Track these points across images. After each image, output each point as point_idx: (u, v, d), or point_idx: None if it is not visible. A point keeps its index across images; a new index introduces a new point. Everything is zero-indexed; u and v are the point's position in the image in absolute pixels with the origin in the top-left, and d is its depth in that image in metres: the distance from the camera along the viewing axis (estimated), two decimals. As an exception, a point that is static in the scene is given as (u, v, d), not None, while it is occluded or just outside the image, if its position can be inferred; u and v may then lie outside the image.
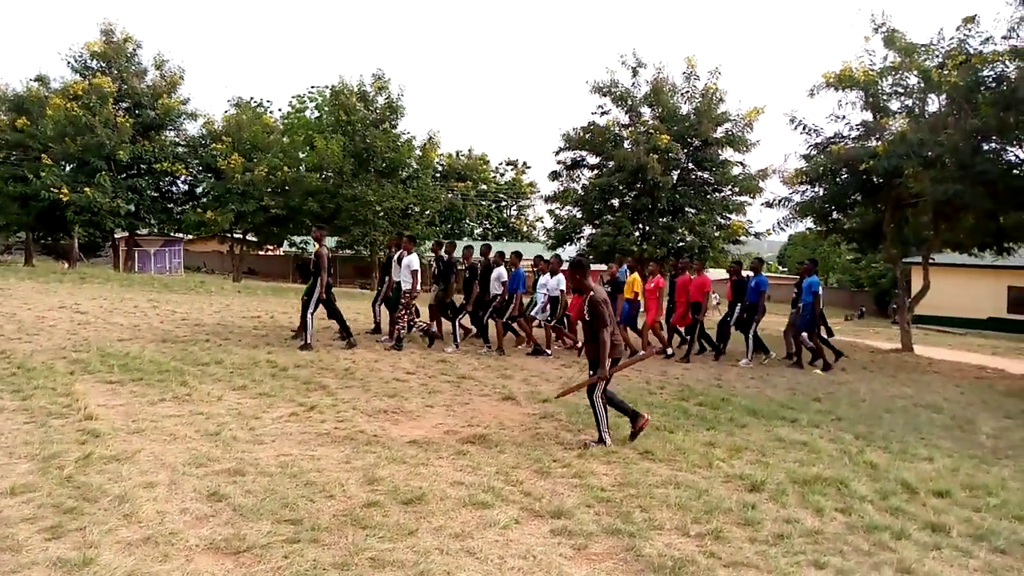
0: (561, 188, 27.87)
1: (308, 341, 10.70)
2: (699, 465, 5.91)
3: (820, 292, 12.77)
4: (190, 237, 43.11)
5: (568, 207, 27.67)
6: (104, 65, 31.58)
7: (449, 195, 47.42)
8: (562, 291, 12.08)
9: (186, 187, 35.40)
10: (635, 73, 26.06)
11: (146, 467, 4.99)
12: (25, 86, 31.97)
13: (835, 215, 18.15)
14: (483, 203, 57.21)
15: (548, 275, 12.22)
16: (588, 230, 27.39)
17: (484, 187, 58.80)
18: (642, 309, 12.91)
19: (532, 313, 12.44)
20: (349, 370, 9.19)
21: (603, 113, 26.85)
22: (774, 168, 17.81)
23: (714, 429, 7.25)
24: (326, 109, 39.88)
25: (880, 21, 15.80)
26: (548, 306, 12.18)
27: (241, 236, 36.94)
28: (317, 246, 10.96)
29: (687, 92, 26.19)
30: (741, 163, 26.40)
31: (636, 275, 13.02)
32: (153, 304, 15.69)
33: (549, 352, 12.15)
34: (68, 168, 30.44)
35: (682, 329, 13.53)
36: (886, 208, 16.74)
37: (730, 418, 7.77)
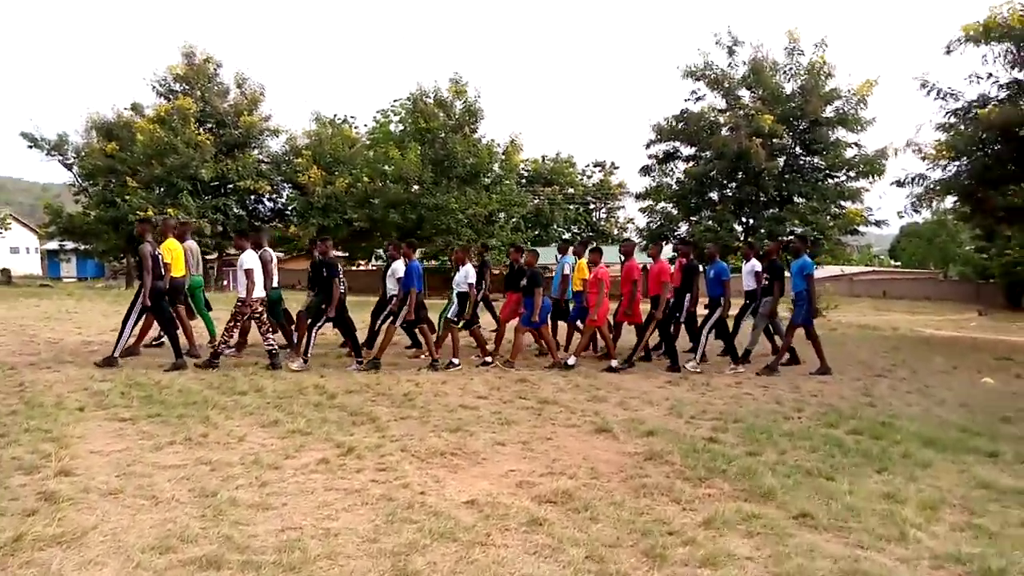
0: (653, 183, 25.89)
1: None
2: (885, 535, 4.02)
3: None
4: (282, 255, 43.53)
5: (662, 203, 25.66)
6: (187, 87, 31.81)
7: (535, 200, 45.96)
8: (471, 285, 9.96)
9: (272, 204, 35.35)
10: (731, 53, 23.87)
11: (92, 554, 3.56)
12: (114, 112, 32.59)
13: (981, 192, 15.45)
14: (571, 207, 55.36)
15: (459, 268, 10.18)
16: (684, 227, 25.29)
17: (571, 190, 56.95)
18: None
19: (448, 315, 10.27)
20: (409, 395, 7.67)
21: (697, 99, 24.76)
22: (908, 141, 15.34)
23: (887, 471, 5.30)
24: (409, 121, 39.17)
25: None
26: (456, 304, 10.02)
27: (327, 252, 36.58)
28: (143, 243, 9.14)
29: (790, 69, 23.81)
30: (856, 144, 23.72)
31: (582, 261, 10.85)
32: (221, 323, 14.74)
33: (456, 362, 9.79)
34: (158, 191, 30.70)
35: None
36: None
37: (903, 453, 5.77)
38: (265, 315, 9.52)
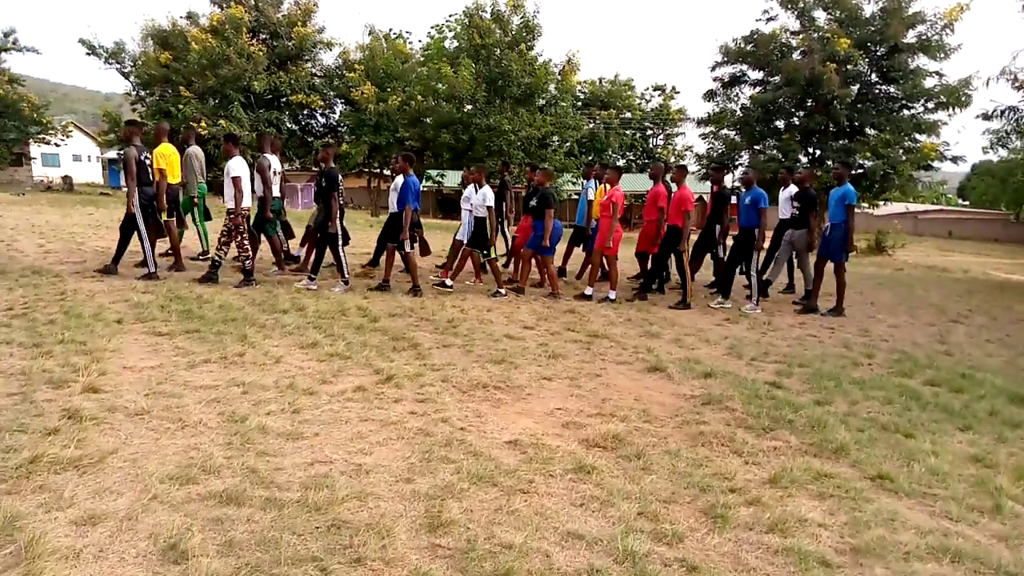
0: (717, 109, 24.68)
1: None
2: (976, 507, 3.58)
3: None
4: (334, 172, 43.08)
5: (724, 130, 24.49)
6: (240, -5, 31.20)
7: (590, 124, 44.58)
8: (490, 208, 9.28)
9: (324, 120, 34.92)
10: (809, -32, 22.23)
11: (108, 481, 3.35)
12: (169, 21, 32.22)
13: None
14: (627, 132, 53.55)
15: (473, 187, 9.55)
16: (747, 155, 24.18)
17: (629, 115, 55.00)
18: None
19: (458, 236, 9.83)
20: (453, 322, 7.35)
21: (769, 19, 23.28)
22: (1003, 69, 13.99)
23: (972, 430, 4.81)
24: (464, 37, 37.86)
25: None
26: (474, 227, 9.50)
27: (379, 170, 36.19)
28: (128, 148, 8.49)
29: (873, -12, 22.08)
30: (937, 73, 22.06)
31: (602, 187, 9.93)
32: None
33: (451, 284, 9.54)
34: (211, 102, 30.50)
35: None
36: None
37: (989, 410, 5.25)
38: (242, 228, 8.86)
